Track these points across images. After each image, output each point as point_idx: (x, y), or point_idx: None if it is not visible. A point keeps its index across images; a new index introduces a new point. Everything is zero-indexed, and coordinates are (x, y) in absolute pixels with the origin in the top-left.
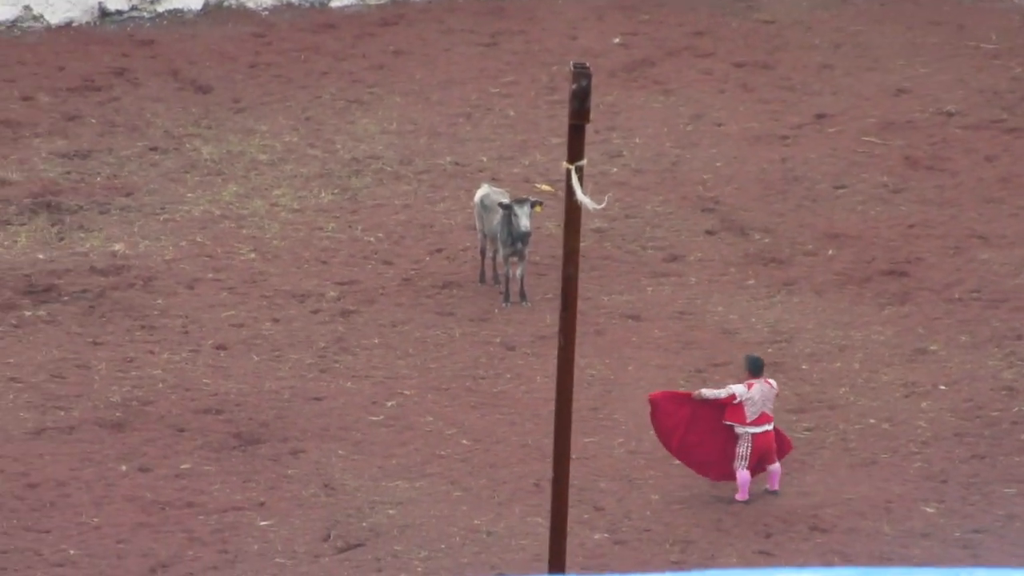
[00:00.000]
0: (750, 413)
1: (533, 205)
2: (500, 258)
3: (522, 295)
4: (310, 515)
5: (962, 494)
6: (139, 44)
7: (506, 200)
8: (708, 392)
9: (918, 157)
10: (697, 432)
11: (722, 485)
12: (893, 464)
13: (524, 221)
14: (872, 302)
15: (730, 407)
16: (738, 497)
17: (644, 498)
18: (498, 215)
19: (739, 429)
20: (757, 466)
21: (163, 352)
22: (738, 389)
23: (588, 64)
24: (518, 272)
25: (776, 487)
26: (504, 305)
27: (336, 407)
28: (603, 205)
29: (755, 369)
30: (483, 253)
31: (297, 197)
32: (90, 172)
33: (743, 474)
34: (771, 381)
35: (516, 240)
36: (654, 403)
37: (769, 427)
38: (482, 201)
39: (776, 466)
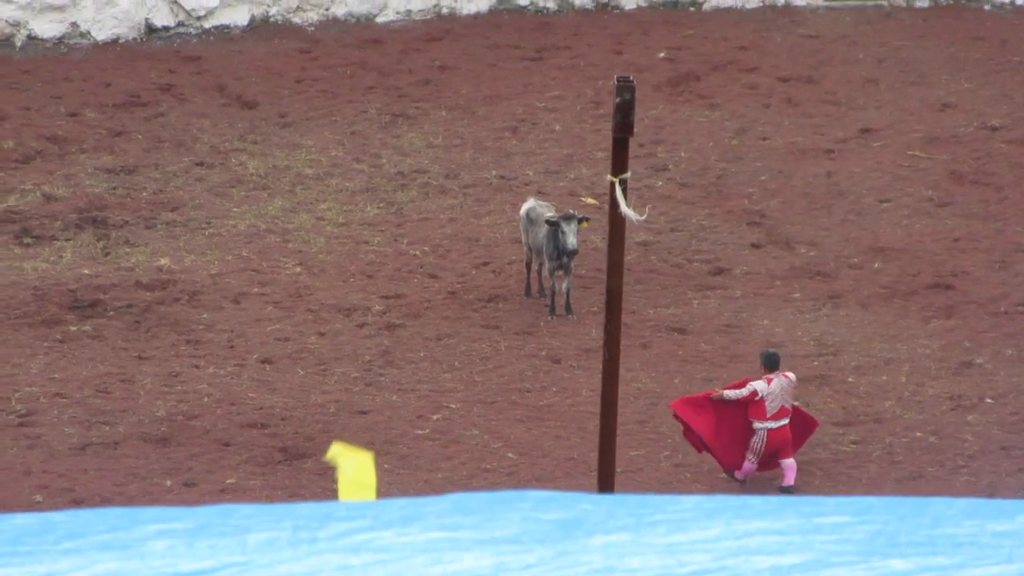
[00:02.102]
0: (770, 408)
1: (580, 221)
2: (546, 271)
3: (568, 308)
4: None
5: None
6: (185, 60)
7: (552, 215)
8: (730, 393)
9: (963, 171)
10: (724, 430)
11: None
12: (940, 478)
13: (571, 239)
14: (918, 315)
15: (752, 404)
16: (737, 476)
17: None
18: (544, 229)
19: (757, 425)
20: (770, 460)
21: (208, 366)
22: (759, 386)
23: (632, 78)
24: (564, 285)
25: (792, 482)
26: (550, 318)
27: (382, 421)
28: (645, 216)
29: (772, 364)
30: (528, 266)
31: (343, 211)
32: (136, 187)
33: (749, 465)
34: (789, 374)
35: (562, 255)
36: (677, 410)
37: (786, 421)
38: (528, 214)
39: (791, 462)
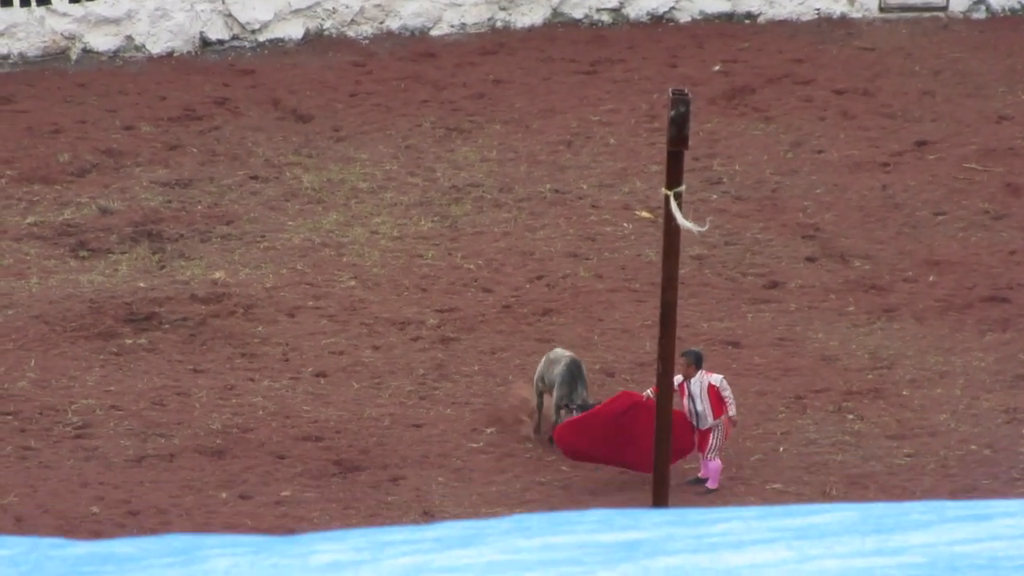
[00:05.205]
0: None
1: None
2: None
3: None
4: None
5: None
6: (240, 74)
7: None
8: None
9: (1019, 184)
10: (624, 436)
11: None
12: (994, 491)
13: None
14: (973, 328)
15: (716, 403)
16: (710, 486)
17: None
18: (558, 366)
19: (714, 422)
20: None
21: (263, 380)
22: (718, 379)
23: (687, 91)
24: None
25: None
26: (535, 434)
27: (436, 434)
28: (706, 228)
29: (700, 361)
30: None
31: (397, 225)
32: (191, 201)
33: (717, 463)
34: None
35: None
36: (557, 441)
37: None
38: (548, 356)
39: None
